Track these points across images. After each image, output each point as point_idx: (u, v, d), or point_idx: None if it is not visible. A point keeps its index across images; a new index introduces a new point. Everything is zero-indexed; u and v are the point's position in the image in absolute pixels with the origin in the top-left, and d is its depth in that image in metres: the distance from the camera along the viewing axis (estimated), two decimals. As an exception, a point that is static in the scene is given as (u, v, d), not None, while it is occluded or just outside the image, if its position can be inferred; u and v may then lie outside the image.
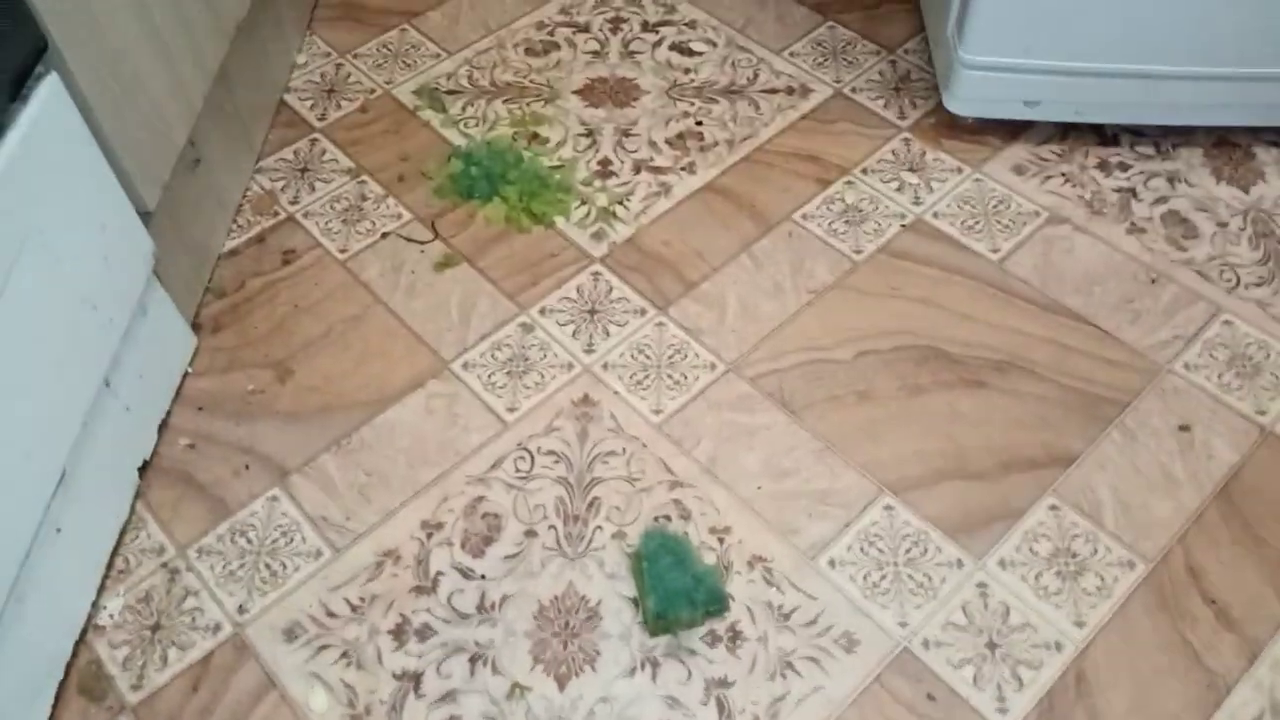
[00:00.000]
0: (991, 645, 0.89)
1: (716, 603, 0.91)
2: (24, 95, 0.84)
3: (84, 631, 0.92)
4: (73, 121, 0.89)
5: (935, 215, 1.20)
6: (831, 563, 0.95)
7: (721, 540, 0.96)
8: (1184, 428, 1.02)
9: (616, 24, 1.45)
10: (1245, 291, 1.12)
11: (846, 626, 0.91)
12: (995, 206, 1.21)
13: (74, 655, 0.91)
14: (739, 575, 0.94)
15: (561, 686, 0.89)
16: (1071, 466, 0.99)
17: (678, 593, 0.90)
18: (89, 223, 0.93)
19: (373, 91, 1.38)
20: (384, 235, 1.23)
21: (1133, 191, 1.21)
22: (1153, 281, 1.13)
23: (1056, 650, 0.89)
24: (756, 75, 1.37)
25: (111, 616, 0.94)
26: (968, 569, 0.94)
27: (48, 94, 0.85)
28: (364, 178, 1.29)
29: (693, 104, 1.35)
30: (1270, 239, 1.16)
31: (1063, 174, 1.23)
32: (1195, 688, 0.86)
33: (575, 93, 1.37)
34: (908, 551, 0.95)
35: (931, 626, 0.90)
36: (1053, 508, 0.97)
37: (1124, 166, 1.24)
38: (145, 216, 1.02)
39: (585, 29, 1.45)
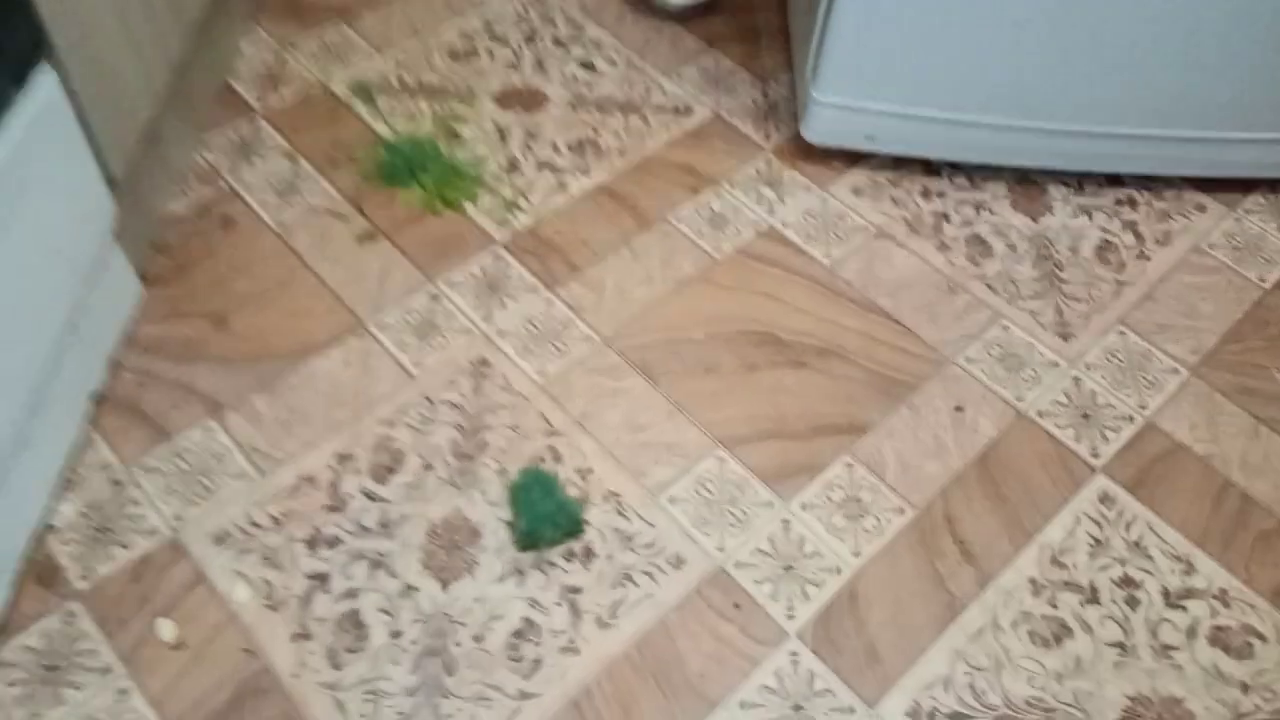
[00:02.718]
0: (787, 568, 1.13)
1: (575, 526, 1.13)
2: (26, 83, 1.01)
3: (40, 532, 1.10)
4: (63, 107, 1.06)
5: (784, 225, 1.44)
6: (671, 499, 1.17)
7: (584, 478, 1.18)
8: (959, 408, 1.27)
9: (531, 38, 1.65)
10: (1022, 303, 1.38)
11: (677, 549, 1.14)
12: (834, 220, 1.45)
13: (31, 552, 1.09)
14: (595, 506, 1.16)
15: (445, 587, 1.10)
16: (867, 433, 1.24)
17: (544, 516, 1.12)
18: (69, 189, 1.10)
19: (309, 82, 1.56)
20: (313, 210, 1.41)
21: (946, 215, 1.47)
22: (951, 290, 1.39)
23: (837, 574, 1.13)
24: (649, 94, 1.59)
25: (65, 520, 1.12)
26: (776, 509, 1.18)
27: (45, 83, 1.03)
28: (298, 159, 1.47)
29: (592, 114, 1.56)
30: (1048, 261, 1.43)
31: (892, 197, 1.48)
32: (939, 606, 1.12)
33: (491, 96, 1.57)
34: (731, 493, 1.18)
35: (743, 552, 1.14)
36: (848, 464, 1.21)
37: (941, 194, 1.49)
38: (111, 183, 1.19)
39: (503, 40, 1.65)
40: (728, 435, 1.23)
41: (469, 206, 1.43)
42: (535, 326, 1.31)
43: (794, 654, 1.08)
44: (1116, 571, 1.15)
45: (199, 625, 1.06)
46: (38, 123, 1.02)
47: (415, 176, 1.45)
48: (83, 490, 1.14)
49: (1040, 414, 1.28)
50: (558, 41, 1.66)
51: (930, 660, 1.08)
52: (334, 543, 1.12)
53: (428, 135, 1.50)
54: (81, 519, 1.12)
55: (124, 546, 1.10)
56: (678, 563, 1.13)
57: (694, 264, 1.39)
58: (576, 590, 1.10)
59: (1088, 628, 1.11)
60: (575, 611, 1.09)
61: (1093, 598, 1.13)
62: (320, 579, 1.09)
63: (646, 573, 1.12)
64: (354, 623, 1.07)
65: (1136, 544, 1.17)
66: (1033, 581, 1.14)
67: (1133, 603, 1.13)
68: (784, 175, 1.50)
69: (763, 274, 1.38)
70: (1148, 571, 1.15)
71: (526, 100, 1.57)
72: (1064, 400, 1.29)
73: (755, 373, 1.29)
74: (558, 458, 1.20)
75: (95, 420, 1.19)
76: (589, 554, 1.13)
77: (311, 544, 1.12)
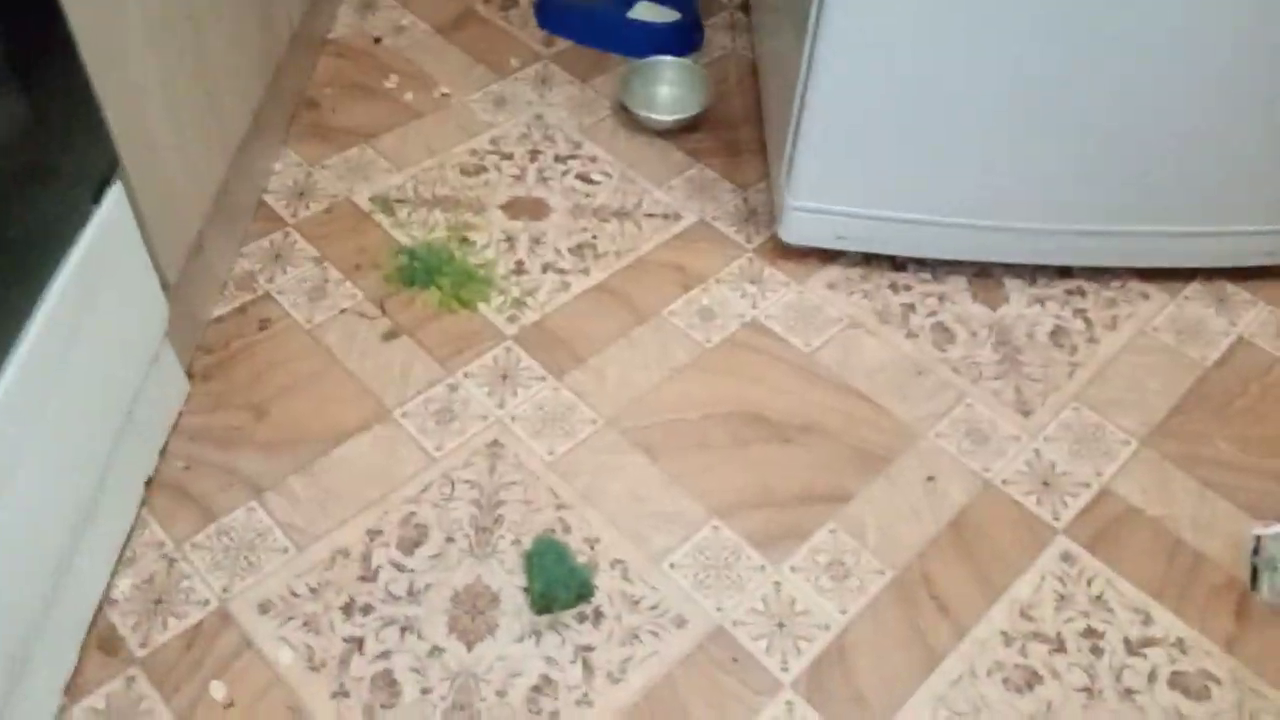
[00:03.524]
0: (780, 625, 1.24)
1: (585, 590, 1.25)
2: (100, 199, 1.16)
3: (101, 604, 1.21)
4: (129, 220, 1.21)
5: (767, 317, 1.59)
6: (672, 565, 1.29)
7: (592, 546, 1.30)
8: (931, 478, 1.40)
9: (534, 155, 1.83)
10: (984, 383, 1.52)
11: (679, 610, 1.25)
12: (811, 312, 1.60)
13: (94, 622, 1.19)
14: (603, 572, 1.28)
15: (469, 649, 1.20)
16: (849, 502, 1.37)
17: (557, 581, 1.24)
18: (131, 292, 1.24)
19: (335, 196, 1.73)
20: (342, 311, 1.56)
21: (912, 306, 1.62)
22: (919, 373, 1.53)
23: (826, 629, 1.24)
24: (641, 202, 1.76)
25: (123, 593, 1.22)
26: (768, 571, 1.29)
27: (114, 199, 1.18)
28: (326, 265, 1.62)
29: (590, 221, 1.72)
30: (1007, 345, 1.58)
31: (863, 290, 1.64)
32: (919, 656, 1.23)
33: (499, 206, 1.73)
34: (726, 558, 1.30)
35: (739, 611, 1.25)
36: (832, 531, 1.34)
37: (908, 287, 1.65)
38: (165, 287, 1.34)
39: (509, 157, 1.82)
40: (722, 505, 1.35)
41: (481, 305, 1.58)
42: (544, 411, 1.45)
43: (789, 703, 1.18)
44: (1080, 624, 1.27)
45: (248, 686, 1.16)
46: (107, 234, 1.16)
47: (433, 279, 1.60)
48: (139, 566, 1.25)
49: (1005, 482, 1.41)
50: (558, 158, 1.83)
51: (914, 706, 1.18)
52: (367, 610, 1.23)
53: (443, 242, 1.66)
54: (138, 592, 1.23)
55: (177, 617, 1.21)
56: (680, 622, 1.24)
57: (687, 352, 1.54)
58: (589, 649, 1.21)
59: (1056, 675, 1.22)
60: (588, 668, 1.20)
61: (1060, 647, 1.24)
62: (356, 642, 1.20)
63: (652, 631, 1.23)
64: (387, 681, 1.17)
65: (1098, 598, 1.29)
66: (1004, 633, 1.25)
67: (1097, 651, 1.24)
68: (765, 272, 1.66)
69: (749, 360, 1.53)
70: (1109, 623, 1.27)
71: (531, 209, 1.73)
72: (1026, 469, 1.42)
73: (746, 448, 1.42)
74: (567, 528, 1.32)
75: (148, 503, 1.31)
76: (599, 615, 1.24)
77: (347, 611, 1.23)
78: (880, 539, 1.33)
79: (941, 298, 1.64)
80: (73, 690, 1.14)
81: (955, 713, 1.18)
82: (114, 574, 1.23)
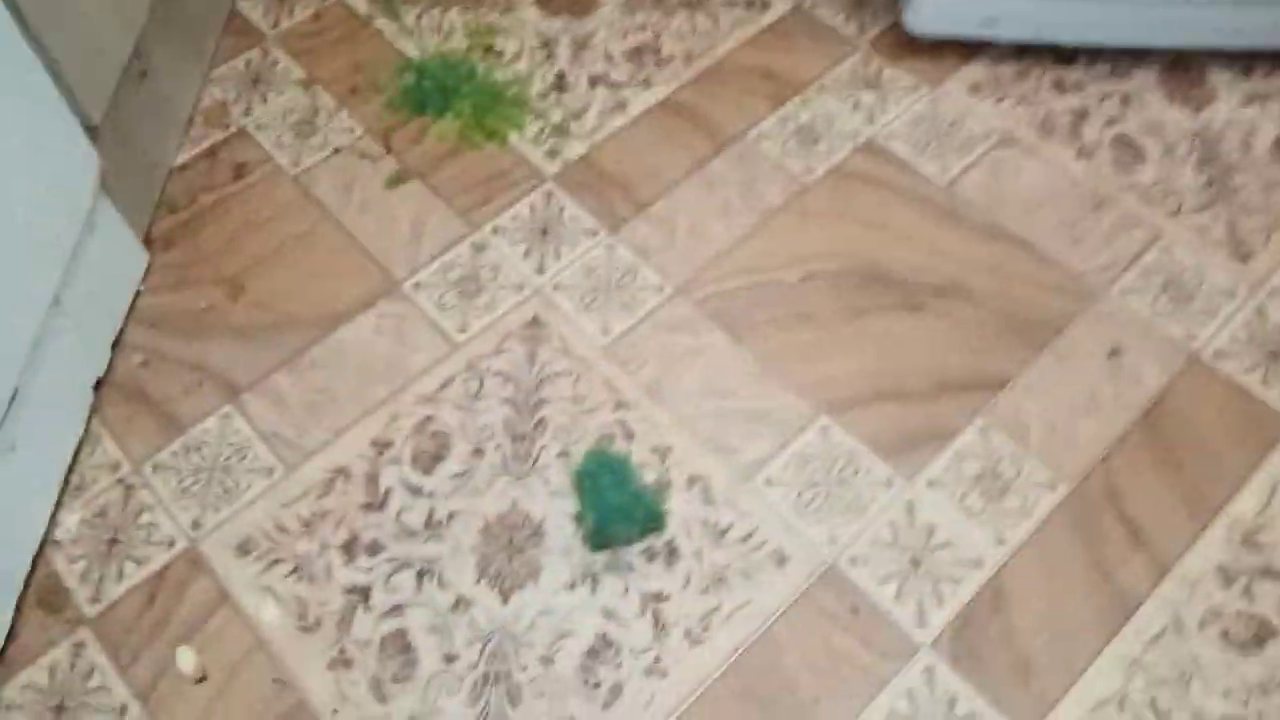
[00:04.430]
0: (915, 562, 0.94)
1: (654, 520, 0.95)
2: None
3: (41, 546, 0.96)
4: (10, 32, 0.88)
5: (888, 136, 1.20)
6: (767, 481, 0.98)
7: (662, 459, 1.00)
8: (1114, 352, 1.04)
9: (574, -71, 1.42)
10: (1185, 217, 1.13)
11: (779, 543, 0.95)
12: (948, 128, 1.21)
13: (32, 569, 0.94)
14: (677, 493, 0.98)
15: (505, 600, 0.93)
16: (1003, 389, 1.02)
17: (617, 509, 0.94)
18: (30, 137, 0.92)
19: (324, -1, 1.35)
20: (336, 150, 1.22)
21: (1084, 113, 1.21)
22: (1096, 206, 1.14)
23: (976, 567, 0.93)
24: (716, -14, 1.35)
25: (68, 531, 0.97)
26: (897, 488, 0.97)
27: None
28: (316, 89, 1.27)
29: (651, 14, 1.33)
30: (1214, 164, 1.17)
31: (1018, 94, 1.23)
32: (1105, 604, 0.91)
33: (532, 2, 1.34)
34: (840, 471, 0.98)
35: (859, 544, 0.95)
36: (982, 430, 1.00)
37: (1079, 86, 1.23)
38: (91, 130, 1.02)
39: (542, -66, 1.41)
40: (831, 399, 1.02)
41: (513, 135, 1.22)
42: (596, 276, 1.11)
43: (928, 669, 0.88)
44: (1326, 551, 0.93)
45: (223, 653, 0.91)
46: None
47: (449, 103, 1.24)
48: (88, 496, 0.99)
49: (1218, 355, 1.04)
50: (607, -69, 1.41)
51: (1099, 673, 0.88)
52: (374, 549, 0.96)
53: (461, 53, 1.29)
54: (88, 530, 0.97)
55: (137, 562, 0.96)
56: (780, 560, 0.94)
57: (781, 191, 1.17)
58: (660, 598, 0.92)
59: (1295, 625, 0.90)
60: (660, 624, 0.91)
61: (1299, 586, 0.92)
62: (360, 593, 0.93)
63: (743, 573, 0.93)
64: (400, 646, 0.91)
65: (1348, 513, 0.95)
66: (1222, 569, 0.92)
67: (1347, 588, 0.91)
68: (884, 75, 1.25)
69: (865, 198, 1.15)
70: (1365, 548, 0.93)
71: (573, 3, 1.34)
72: (1245, 336, 1.05)
73: (860, 319, 1.07)
74: (629, 435, 1.01)
75: (99, 411, 1.04)
76: (673, 553, 0.95)
77: (348, 551, 0.96)
78: (1048, 439, 0.99)
79: (1125, 99, 1.22)
80: (5, 661, 0.90)
81: (1156, 679, 0.87)
82: (57, 507, 0.98)
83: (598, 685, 0.89)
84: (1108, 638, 0.90)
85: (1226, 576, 0.92)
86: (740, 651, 0.90)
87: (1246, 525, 0.95)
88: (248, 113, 1.26)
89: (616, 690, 0.88)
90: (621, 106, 1.24)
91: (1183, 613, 0.91)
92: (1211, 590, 0.92)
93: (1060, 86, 1.24)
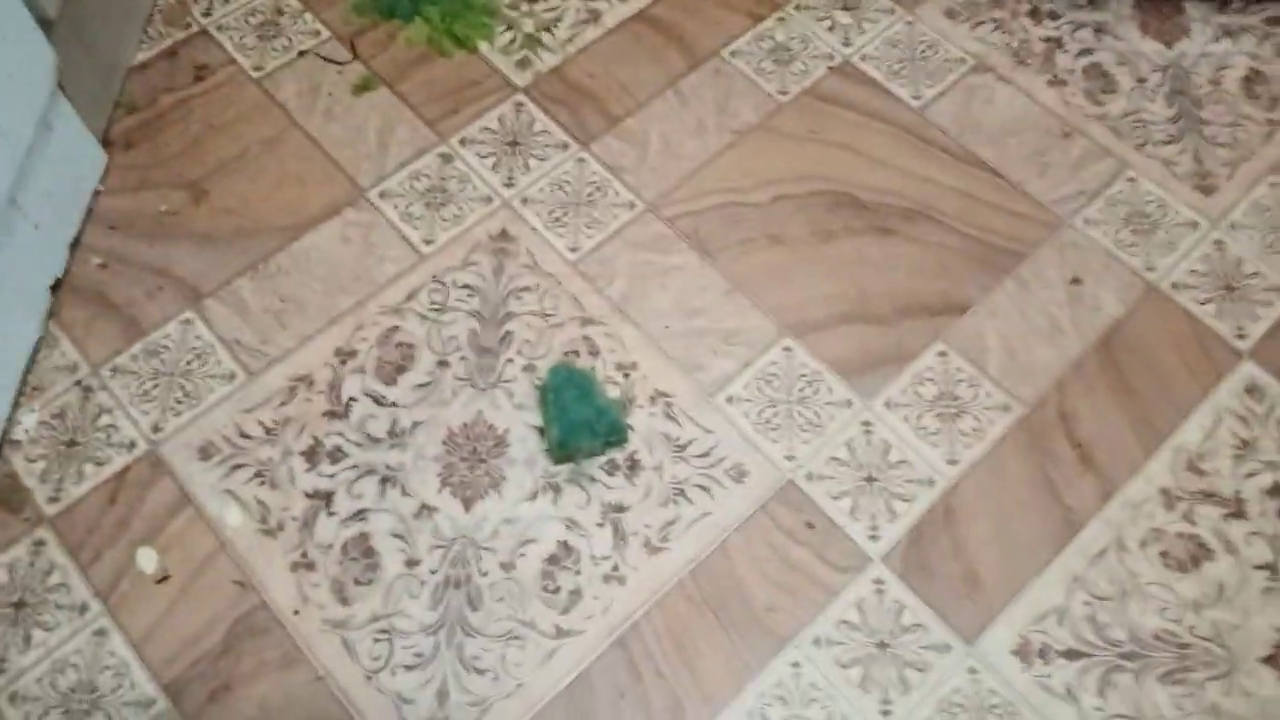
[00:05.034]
0: (870, 479, 0.96)
1: (617, 433, 0.96)
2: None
3: (0, 446, 0.95)
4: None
5: (863, 58, 1.19)
6: (729, 399, 0.99)
7: (627, 375, 1.00)
8: (1076, 280, 1.06)
9: None
10: (1153, 149, 1.14)
11: (738, 459, 0.96)
12: (923, 52, 1.20)
13: (-8, 468, 0.94)
14: (641, 409, 0.98)
15: (467, 508, 0.94)
16: (965, 314, 1.03)
17: (581, 423, 0.95)
18: (-19, 31, 0.89)
19: (290, -105, 1.30)
20: (301, 54, 1.19)
21: (1059, 41, 1.20)
22: (1066, 135, 1.14)
23: (929, 485, 0.95)
24: (694, -103, 1.31)
25: (27, 432, 0.96)
26: (855, 408, 0.99)
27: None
28: (280, -10, 1.23)
29: (627, -75, 1.29)
30: (1184, 97, 1.17)
31: (994, 19, 1.22)
32: (1052, 522, 0.94)
33: (505, -93, 1.31)
34: (801, 390, 1.00)
35: (816, 461, 0.96)
36: (941, 353, 1.02)
37: (1054, 15, 1.22)
38: (46, 25, 0.99)
39: None
40: (797, 320, 1.03)
41: (483, 44, 1.20)
42: (566, 191, 1.10)
43: (879, 582, 0.91)
44: (1266, 479, 0.96)
45: (185, 554, 0.91)
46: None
47: (418, 8, 1.21)
48: (46, 397, 0.98)
49: (1175, 286, 1.06)
50: None
51: (1042, 588, 0.91)
52: (337, 455, 0.96)
53: (432, -42, 1.25)
54: (46, 431, 0.97)
55: (97, 463, 0.95)
56: (739, 475, 0.96)
57: (754, 109, 1.16)
58: (621, 509, 0.94)
59: (1232, 548, 0.93)
60: (619, 534, 0.93)
61: (1238, 511, 0.94)
62: (323, 498, 0.94)
63: (702, 487, 0.95)
64: (363, 550, 0.92)
65: (1289, 443, 0.98)
66: (1165, 492, 0.95)
67: (1284, 514, 0.95)
68: (862, -4, 1.24)
69: (837, 120, 1.15)
70: (1302, 476, 0.96)
71: (549, -89, 1.30)
72: (1204, 268, 1.07)
73: (830, 242, 1.08)
74: (594, 351, 1.01)
75: (57, 314, 1.02)
76: (634, 465, 0.96)
77: (311, 457, 0.96)
78: (1006, 364, 1.01)
79: (1100, 28, 1.22)
80: (-34, 559, 0.90)
81: (1096, 595, 0.91)
82: (14, 407, 0.97)
83: (557, 590, 0.90)
84: (1052, 555, 0.92)
85: (1169, 500, 0.95)
86: (697, 562, 0.92)
87: (1191, 452, 0.97)
88: (208, 13, 1.22)
89: (575, 595, 0.90)
90: (595, 18, 1.22)
91: (1125, 534, 0.94)
92: (1154, 512, 0.95)
93: (1035, 15, 1.23)
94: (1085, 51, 1.20)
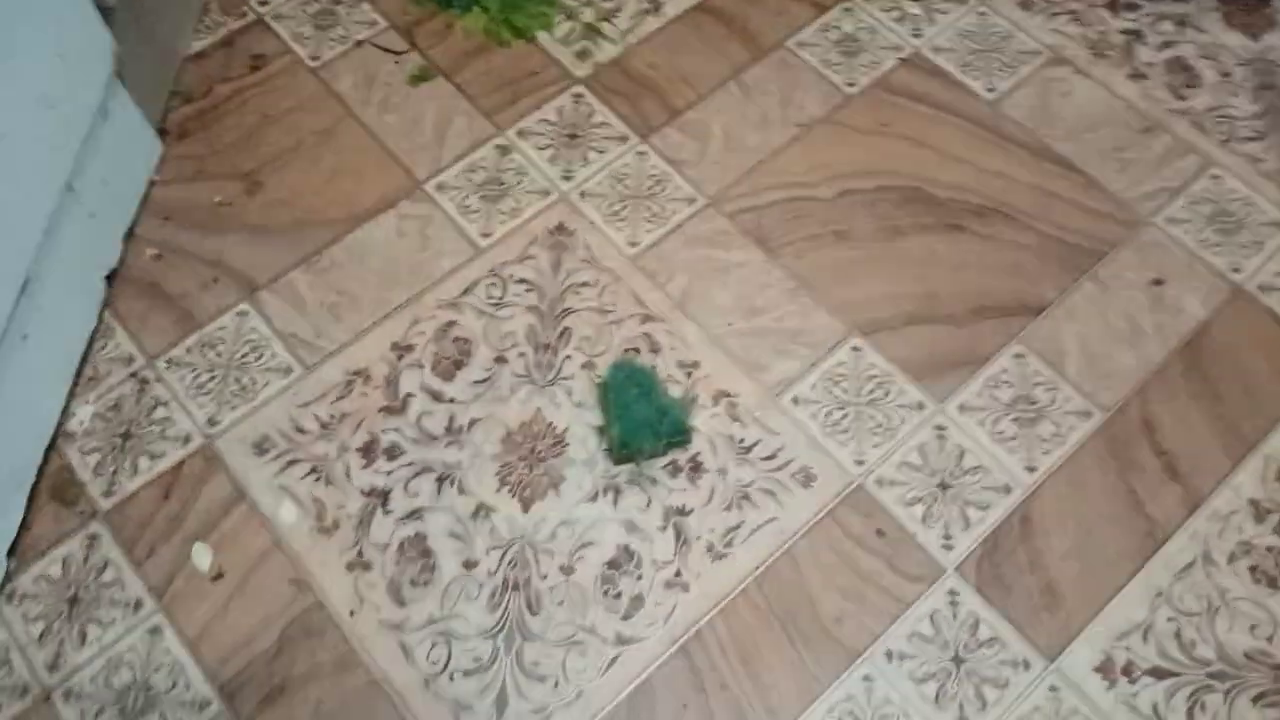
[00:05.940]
0: (943, 486, 0.92)
1: (679, 434, 0.93)
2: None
3: (54, 438, 0.94)
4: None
5: (934, 49, 1.15)
6: (795, 400, 0.96)
7: (689, 374, 0.97)
8: (1157, 281, 1.01)
9: None
10: (1238, 145, 1.09)
11: (804, 462, 0.93)
12: (997, 43, 1.16)
13: (45, 461, 0.93)
14: (704, 409, 0.95)
15: (525, 508, 0.91)
16: (1041, 315, 0.99)
17: (642, 423, 0.92)
18: (43, 16, 0.88)
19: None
20: (358, 43, 1.17)
21: (1139, 34, 1.16)
22: (1146, 131, 1.10)
23: (1005, 493, 0.91)
24: (757, -116, 1.28)
25: (82, 424, 0.95)
26: (928, 411, 0.95)
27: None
28: (336, -21, 1.22)
29: (688, -86, 1.26)
30: (1271, 92, 1.12)
31: (1070, 11, 1.18)
32: (1135, 534, 0.90)
33: (563, -105, 1.28)
34: (871, 392, 0.96)
35: (887, 466, 0.93)
36: (1018, 355, 0.98)
37: (1133, 6, 1.18)
38: (106, 13, 0.97)
39: None
40: (865, 319, 1.00)
41: (541, 35, 1.18)
42: (625, 185, 1.08)
43: (953, 594, 0.87)
44: (1362, 491, 0.91)
45: (240, 551, 0.89)
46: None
47: (476, -2, 1.19)
48: (102, 389, 0.97)
49: (1262, 288, 1.01)
50: None
51: (1125, 603, 0.87)
52: (394, 452, 0.94)
53: (490, -54, 1.23)
54: (101, 423, 0.95)
55: (151, 456, 0.94)
56: (806, 479, 0.92)
57: (821, 102, 1.12)
58: (683, 512, 0.91)
59: (1326, 564, 0.88)
60: (682, 538, 0.90)
61: (1333, 525, 0.90)
62: (379, 496, 0.92)
63: (768, 491, 0.92)
64: (420, 550, 0.89)
65: (1385, 454, 0.93)
66: (1254, 504, 0.91)
67: (1380, 528, 0.90)
68: (931, -15, 1.20)
69: (907, 113, 1.11)
70: (1400, 489, 0.91)
71: (609, -101, 1.28)
72: (1292, 270, 1.02)
73: (898, 239, 1.04)
74: (655, 348, 0.99)
75: (112, 304, 1.01)
76: (697, 468, 0.93)
77: (367, 454, 0.94)
78: (1085, 368, 0.97)
79: (1182, 20, 1.17)
80: (20, 552, 0.89)
81: (1181, 611, 0.86)
82: (70, 398, 0.96)
83: (618, 595, 0.88)
84: (1136, 569, 0.88)
85: (1259, 512, 0.91)
86: (763, 569, 0.89)
87: (1283, 462, 0.93)
88: (265, 2, 1.20)
89: (637, 602, 0.87)
90: (656, 7, 1.19)
91: (1212, 547, 0.89)
92: (1243, 525, 0.90)
93: (1114, 6, 1.18)
94: (1167, 44, 1.15)
